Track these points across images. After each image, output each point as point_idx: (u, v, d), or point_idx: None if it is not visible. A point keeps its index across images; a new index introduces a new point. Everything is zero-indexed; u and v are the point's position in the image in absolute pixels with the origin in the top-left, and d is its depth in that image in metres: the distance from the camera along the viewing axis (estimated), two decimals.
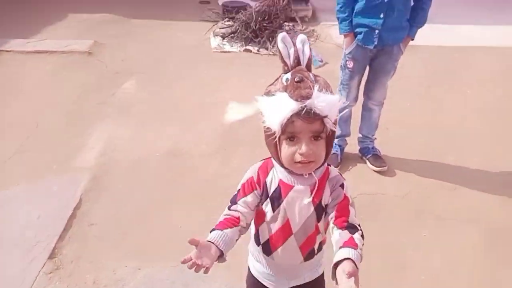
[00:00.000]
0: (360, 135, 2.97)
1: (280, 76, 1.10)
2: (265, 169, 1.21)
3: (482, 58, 4.56)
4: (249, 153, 2.92)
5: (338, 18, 2.61)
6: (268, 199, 1.20)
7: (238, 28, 4.85)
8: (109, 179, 2.71)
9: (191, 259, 1.02)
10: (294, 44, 1.09)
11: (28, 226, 2.32)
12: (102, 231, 2.33)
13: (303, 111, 1.02)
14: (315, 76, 1.08)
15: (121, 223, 2.38)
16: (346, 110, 2.76)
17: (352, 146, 2.98)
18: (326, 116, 1.04)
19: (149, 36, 4.96)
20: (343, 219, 1.12)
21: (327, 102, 1.04)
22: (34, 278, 2.03)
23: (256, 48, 4.67)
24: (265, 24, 4.82)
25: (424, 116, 3.51)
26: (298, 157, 1.08)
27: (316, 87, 1.03)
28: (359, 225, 1.13)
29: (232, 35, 4.86)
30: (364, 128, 2.94)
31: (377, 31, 2.51)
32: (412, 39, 2.66)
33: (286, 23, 5.15)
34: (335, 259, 1.03)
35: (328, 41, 4.82)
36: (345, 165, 2.87)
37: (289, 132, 1.06)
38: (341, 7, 2.56)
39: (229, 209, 1.20)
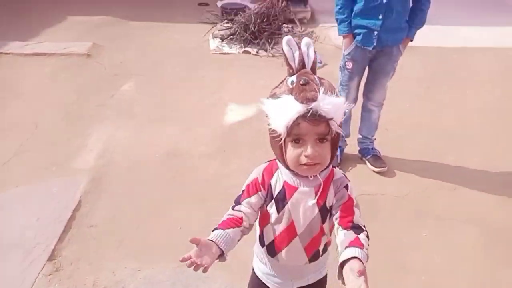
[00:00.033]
0: (360, 136, 2.97)
1: (285, 79, 1.11)
2: (270, 171, 1.22)
3: (481, 58, 4.57)
4: (248, 154, 2.92)
5: (337, 20, 2.62)
6: (273, 201, 1.20)
7: (237, 30, 4.86)
8: (108, 181, 2.70)
9: (191, 258, 1.02)
10: (299, 47, 1.10)
11: (28, 228, 2.31)
12: (102, 233, 2.32)
13: (309, 114, 1.02)
14: (320, 78, 1.09)
15: (120, 224, 2.38)
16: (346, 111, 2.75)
17: (352, 147, 2.98)
18: (331, 119, 1.05)
19: (148, 38, 4.96)
20: (348, 219, 1.12)
21: (332, 104, 1.04)
22: (34, 280, 2.02)
23: (255, 50, 4.68)
24: (264, 26, 4.84)
25: (424, 116, 3.51)
26: (303, 159, 1.08)
27: (322, 89, 1.04)
28: (364, 226, 1.13)
29: (231, 37, 4.87)
30: (363, 129, 2.94)
31: (376, 32, 2.52)
32: (411, 40, 2.67)
33: (285, 25, 5.17)
34: (342, 258, 1.03)
35: (327, 42, 4.83)
36: (345, 165, 2.87)
37: (294, 134, 1.06)
38: (340, 9, 2.57)
39: (232, 209, 1.20)
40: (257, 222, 1.28)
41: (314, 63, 1.11)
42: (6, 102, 3.58)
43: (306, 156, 1.07)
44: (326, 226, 1.23)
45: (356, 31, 2.57)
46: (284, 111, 1.04)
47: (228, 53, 4.67)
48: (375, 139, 2.96)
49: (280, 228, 1.22)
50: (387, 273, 2.09)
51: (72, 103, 3.59)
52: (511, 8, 6.30)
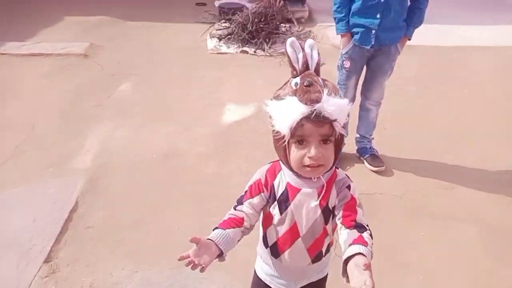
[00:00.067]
0: (358, 135, 2.96)
1: (288, 81, 1.11)
2: (273, 172, 1.22)
3: (479, 57, 4.57)
4: (246, 154, 2.91)
5: (335, 19, 2.61)
6: (276, 202, 1.20)
7: (235, 30, 4.84)
8: (105, 181, 2.69)
9: (189, 257, 1.02)
10: (303, 49, 1.10)
11: (24, 229, 2.30)
12: (99, 234, 2.31)
13: (313, 115, 1.03)
14: (323, 80, 1.10)
15: (117, 225, 2.36)
16: None
17: (350, 146, 2.98)
18: (335, 120, 1.06)
19: (145, 38, 4.95)
20: (351, 218, 1.12)
21: (336, 106, 1.05)
22: (30, 282, 2.01)
23: (253, 50, 4.67)
24: (261, 26, 4.82)
25: (422, 116, 3.51)
26: (307, 161, 1.08)
27: (326, 91, 1.05)
28: (367, 225, 1.13)
29: (228, 36, 4.86)
30: (361, 128, 2.94)
31: (373, 31, 2.51)
32: (409, 39, 2.66)
33: (282, 24, 5.16)
34: (346, 255, 1.02)
35: (325, 41, 4.82)
36: (343, 165, 2.86)
37: (298, 136, 1.07)
38: (338, 7, 2.56)
39: (234, 209, 1.21)
40: (260, 223, 1.29)
41: (318, 64, 1.11)
42: (3, 102, 3.56)
43: (309, 157, 1.07)
44: (329, 227, 1.23)
45: (354, 30, 2.56)
46: (288, 112, 1.05)
47: (225, 53, 4.66)
48: (373, 138, 2.96)
49: (283, 229, 1.22)
50: (385, 273, 2.09)
51: (69, 104, 3.57)
52: (510, 7, 6.31)
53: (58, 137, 3.13)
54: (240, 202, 1.21)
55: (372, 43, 2.54)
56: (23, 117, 3.36)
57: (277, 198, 1.20)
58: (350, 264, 0.99)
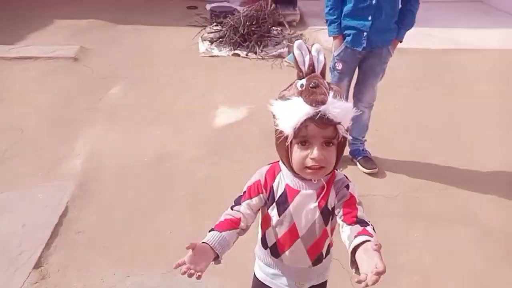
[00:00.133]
0: (350, 137, 2.96)
1: (294, 82, 1.12)
2: (272, 173, 1.22)
3: (469, 59, 4.62)
4: (239, 157, 2.89)
5: (326, 21, 2.62)
6: (274, 204, 1.20)
7: (226, 33, 4.84)
8: (96, 186, 2.65)
9: (185, 263, 0.99)
10: (310, 52, 1.11)
11: (13, 235, 2.25)
12: (90, 239, 2.27)
13: (317, 116, 1.03)
14: (329, 83, 1.10)
15: (109, 230, 2.33)
16: None
17: None
18: (339, 123, 1.06)
19: (136, 41, 4.93)
20: (352, 215, 1.12)
21: (341, 108, 1.06)
22: None
23: (245, 53, 4.67)
24: (253, 29, 4.82)
25: (414, 117, 3.53)
26: (309, 162, 1.09)
27: (331, 93, 1.05)
28: (369, 221, 1.12)
29: (220, 39, 4.86)
30: (354, 130, 2.93)
31: (365, 33, 2.53)
32: (401, 41, 2.68)
33: (274, 28, 5.17)
34: (353, 245, 1.01)
35: None
36: None
37: (301, 136, 1.07)
38: (329, 10, 2.57)
39: (231, 209, 1.20)
40: (258, 225, 1.28)
41: (324, 68, 1.13)
42: None
43: (312, 159, 1.08)
44: (329, 228, 1.23)
45: (346, 32, 2.57)
46: (292, 112, 1.06)
47: (217, 56, 4.65)
48: (365, 140, 2.96)
49: (281, 230, 1.22)
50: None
51: (59, 107, 3.53)
52: (496, 11, 6.42)
53: (48, 141, 3.09)
54: (238, 202, 1.20)
55: (364, 45, 2.55)
56: (12, 121, 3.31)
57: (276, 200, 1.20)
58: (359, 251, 0.98)
